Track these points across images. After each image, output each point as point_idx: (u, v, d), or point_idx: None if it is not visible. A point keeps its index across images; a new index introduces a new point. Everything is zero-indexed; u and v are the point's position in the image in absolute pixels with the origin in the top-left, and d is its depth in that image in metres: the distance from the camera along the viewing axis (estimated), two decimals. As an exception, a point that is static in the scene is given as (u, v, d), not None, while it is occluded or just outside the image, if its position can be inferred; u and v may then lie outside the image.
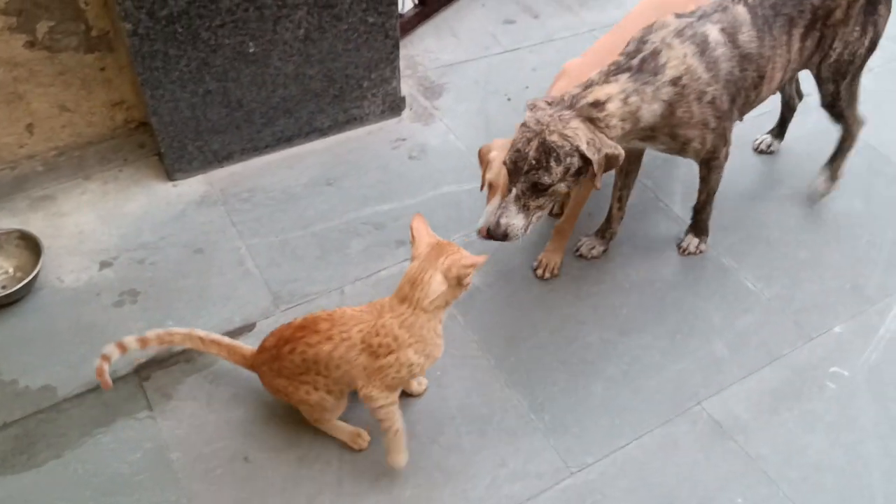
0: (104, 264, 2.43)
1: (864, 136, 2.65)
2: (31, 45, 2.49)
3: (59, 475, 1.96)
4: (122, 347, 1.93)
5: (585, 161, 1.94)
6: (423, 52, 3.34)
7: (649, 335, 2.31)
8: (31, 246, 2.40)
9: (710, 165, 2.31)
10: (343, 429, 2.02)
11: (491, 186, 2.17)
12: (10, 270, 2.41)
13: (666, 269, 2.50)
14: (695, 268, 2.52)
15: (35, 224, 2.51)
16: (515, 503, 1.93)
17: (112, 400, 2.11)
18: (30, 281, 2.31)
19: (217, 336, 2.01)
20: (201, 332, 1.98)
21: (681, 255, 2.54)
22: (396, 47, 2.82)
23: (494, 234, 2.01)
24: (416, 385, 2.13)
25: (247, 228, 2.57)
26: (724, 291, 2.45)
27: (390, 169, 2.80)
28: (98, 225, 2.56)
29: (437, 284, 1.74)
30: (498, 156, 2.16)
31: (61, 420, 2.07)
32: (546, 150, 1.92)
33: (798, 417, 2.13)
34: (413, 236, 1.81)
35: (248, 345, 2.05)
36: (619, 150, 1.98)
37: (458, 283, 1.75)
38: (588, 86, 2.00)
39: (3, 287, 2.35)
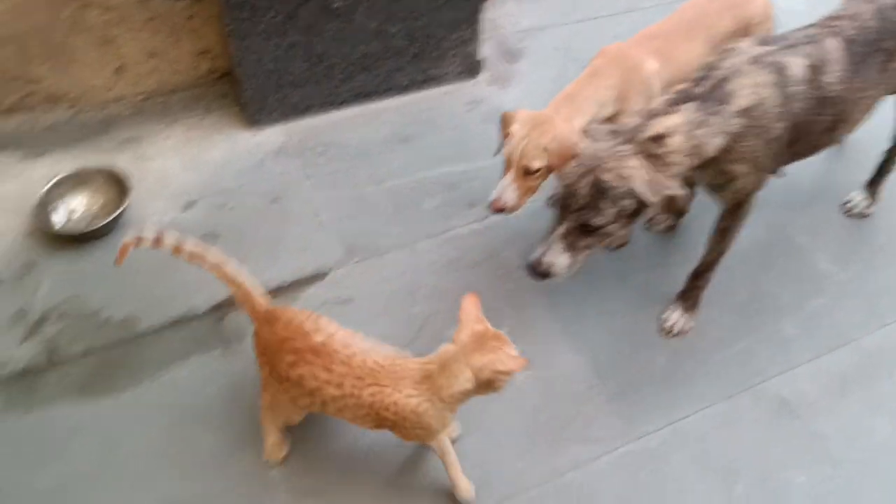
0: (186, 206, 2.51)
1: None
2: (125, -11, 2.57)
3: (137, 403, 2.06)
4: (159, 241, 1.77)
5: (641, 203, 1.76)
6: (504, 15, 3.33)
7: (717, 310, 2.30)
8: (118, 184, 2.50)
9: (737, 213, 2.04)
10: (271, 433, 1.92)
11: (507, 161, 2.13)
12: (97, 207, 2.51)
13: (738, 246, 2.47)
14: (768, 246, 2.49)
15: (121, 165, 2.60)
16: (574, 464, 1.97)
17: (190, 336, 2.19)
18: (116, 217, 2.40)
19: (242, 278, 1.80)
20: (230, 267, 1.79)
21: (663, 335, 2.24)
22: (479, 9, 2.82)
23: (536, 271, 1.89)
24: (464, 487, 1.89)
25: (323, 181, 2.62)
26: (797, 271, 2.42)
27: (465, 130, 2.82)
28: (181, 169, 2.64)
29: (463, 381, 1.60)
30: (519, 130, 2.08)
31: (142, 351, 2.17)
32: (599, 190, 1.74)
33: (865, 401, 2.11)
34: (461, 318, 1.65)
35: (319, 290, 2.09)
36: (680, 192, 1.76)
37: (488, 385, 1.61)
38: (650, 116, 1.80)
39: (91, 223, 2.45)
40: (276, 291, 2.30)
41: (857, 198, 2.58)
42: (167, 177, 2.61)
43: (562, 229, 1.85)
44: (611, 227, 1.80)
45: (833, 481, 1.95)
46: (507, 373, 1.58)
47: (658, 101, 1.84)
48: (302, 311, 1.78)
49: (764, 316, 2.30)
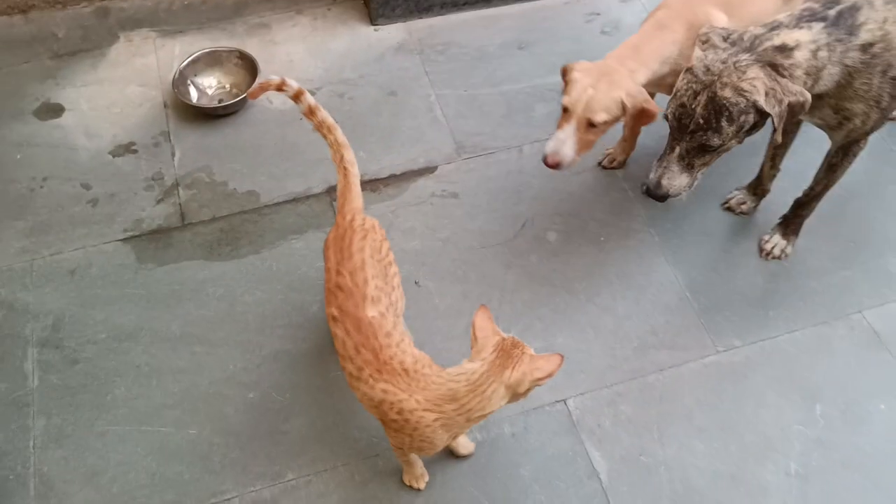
0: (309, 92, 2.63)
1: None
2: None
3: (257, 268, 2.24)
4: (299, 95, 1.84)
5: (762, 115, 1.69)
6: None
7: (821, 239, 2.29)
8: (247, 66, 2.64)
9: (847, 152, 1.97)
10: None
11: (565, 111, 2.00)
12: (228, 86, 2.66)
13: (850, 178, 2.43)
14: (881, 180, 2.44)
15: (251, 48, 2.73)
16: (658, 368, 2.05)
17: (307, 212, 2.35)
18: (244, 97, 2.55)
19: (353, 170, 1.81)
20: (348, 153, 1.81)
21: (763, 257, 2.26)
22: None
23: (654, 194, 1.85)
24: (463, 448, 1.90)
25: (439, 79, 2.70)
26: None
27: (582, 41, 2.82)
28: (305, 56, 2.76)
29: (498, 400, 1.50)
30: (580, 79, 1.97)
31: (262, 222, 2.34)
32: (716, 109, 1.67)
33: (961, 342, 2.10)
34: (474, 335, 1.54)
35: (428, 182, 2.20)
36: (806, 96, 1.66)
37: (524, 395, 1.52)
38: (774, 27, 1.70)
39: (221, 100, 2.61)
40: (388, 180, 2.43)
41: None
42: (292, 62, 2.74)
43: (678, 150, 1.79)
44: (729, 144, 1.76)
45: (917, 414, 1.97)
46: (547, 377, 1.47)
47: (783, 15, 1.76)
48: (378, 260, 1.69)
49: (868, 249, 2.28)
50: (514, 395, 1.51)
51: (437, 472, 1.88)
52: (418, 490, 1.86)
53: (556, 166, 2.02)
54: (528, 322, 2.12)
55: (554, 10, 2.93)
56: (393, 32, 2.85)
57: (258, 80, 1.80)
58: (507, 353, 1.48)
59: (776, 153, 2.23)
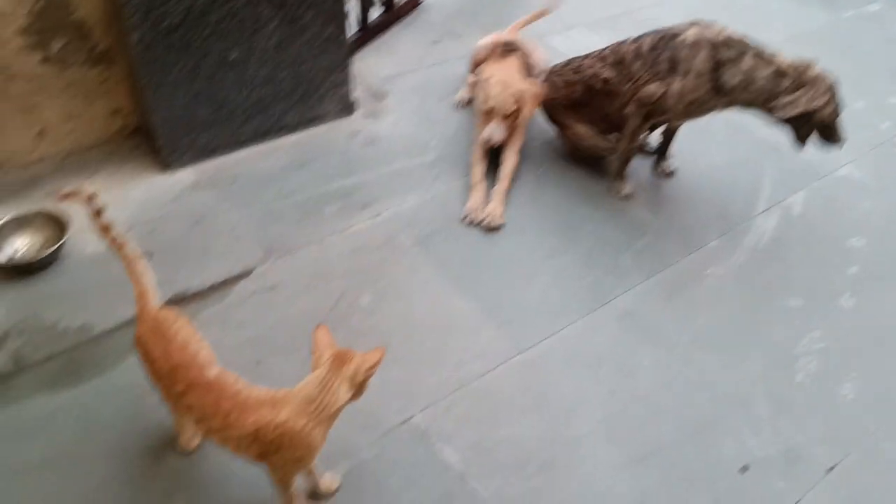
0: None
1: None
2: (45, 60, 2.99)
3: (104, 387, 2.39)
4: (92, 199, 2.00)
5: None
6: (367, 67, 3.97)
7: (570, 256, 2.93)
8: (56, 222, 2.85)
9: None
10: (182, 426, 2.19)
11: (491, 112, 3.17)
12: (39, 244, 2.84)
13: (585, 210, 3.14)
14: (603, 202, 3.17)
15: (53, 209, 2.95)
16: (478, 375, 2.48)
17: (143, 329, 2.56)
18: (58, 247, 2.76)
19: (146, 277, 2.03)
20: (140, 264, 2.03)
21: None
22: (349, 56, 3.44)
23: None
24: (328, 483, 2.14)
25: (236, 202, 3.09)
26: (625, 221, 3.11)
27: (350, 153, 3.39)
28: (109, 207, 2.98)
29: (344, 393, 1.80)
30: (496, 81, 3.21)
31: (100, 349, 2.51)
32: None
33: (677, 308, 2.77)
34: (314, 348, 1.85)
35: (247, 283, 2.53)
36: None
37: (361, 386, 1.82)
38: None
39: (38, 253, 2.79)
40: (211, 289, 2.72)
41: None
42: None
43: None
44: None
45: (668, 358, 2.57)
46: (375, 365, 1.80)
47: None
48: (195, 336, 1.95)
49: (606, 256, 2.95)
50: (355, 387, 1.81)
51: (318, 505, 2.12)
52: (305, 525, 2.08)
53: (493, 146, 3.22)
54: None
55: (320, 136, 3.48)
56: (186, 175, 3.21)
57: (70, 188, 2.02)
58: (341, 355, 1.82)
59: None
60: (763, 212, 3.23)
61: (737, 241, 3.06)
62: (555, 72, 3.31)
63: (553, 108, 3.35)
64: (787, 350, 2.63)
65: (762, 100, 2.77)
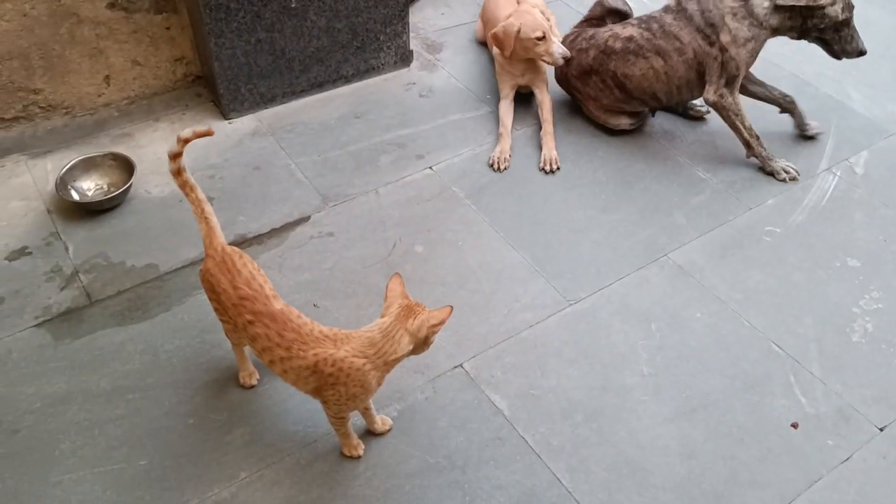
0: (184, 177, 2.99)
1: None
2: (112, 6, 3.06)
3: (170, 323, 2.51)
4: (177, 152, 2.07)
5: None
6: (423, 19, 3.97)
7: (622, 213, 2.92)
8: (122, 165, 2.96)
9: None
10: (242, 361, 2.30)
11: (543, 37, 3.12)
12: (105, 186, 2.95)
13: (636, 165, 3.12)
14: (658, 160, 3.15)
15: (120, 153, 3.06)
16: (527, 325, 2.52)
17: (205, 270, 2.66)
18: (125, 189, 2.86)
19: (213, 219, 2.09)
20: (207, 206, 2.09)
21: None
22: (406, 5, 3.44)
23: None
24: (381, 424, 2.21)
25: (294, 150, 3.15)
26: (680, 179, 3.08)
27: (406, 104, 3.41)
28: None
29: (405, 345, 1.84)
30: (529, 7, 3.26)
31: (166, 287, 2.62)
32: None
33: (740, 260, 2.75)
34: (387, 295, 1.90)
35: (305, 229, 2.59)
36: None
37: (424, 342, 1.87)
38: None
39: (106, 193, 2.90)
40: (269, 234, 2.80)
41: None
42: (160, 159, 3.08)
43: None
44: None
45: (720, 314, 2.56)
46: (440, 324, 1.84)
47: None
48: (260, 272, 2.00)
49: (660, 212, 2.94)
50: (417, 341, 1.86)
51: (371, 441, 2.19)
52: (358, 458, 2.16)
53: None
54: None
55: (377, 87, 3.51)
56: (245, 123, 3.29)
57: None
58: (409, 308, 1.87)
59: None
60: (824, 170, 3.16)
61: (796, 200, 3.01)
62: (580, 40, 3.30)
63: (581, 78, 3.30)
64: (843, 310, 2.60)
65: None
